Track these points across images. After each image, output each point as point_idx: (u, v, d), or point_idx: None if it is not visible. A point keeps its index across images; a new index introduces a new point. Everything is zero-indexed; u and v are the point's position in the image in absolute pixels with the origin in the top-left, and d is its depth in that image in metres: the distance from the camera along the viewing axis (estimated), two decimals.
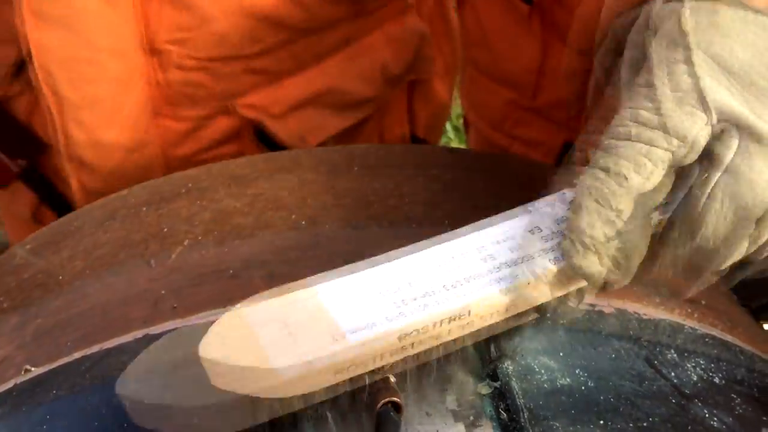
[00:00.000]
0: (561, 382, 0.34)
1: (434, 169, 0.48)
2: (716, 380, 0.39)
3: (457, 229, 0.33)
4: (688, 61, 0.30)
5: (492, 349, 0.35)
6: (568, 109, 1.16)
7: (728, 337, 0.45)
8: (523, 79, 1.18)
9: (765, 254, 0.32)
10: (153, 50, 0.57)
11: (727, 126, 0.29)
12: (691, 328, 0.42)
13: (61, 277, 0.45)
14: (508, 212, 0.34)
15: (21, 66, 0.60)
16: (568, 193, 0.33)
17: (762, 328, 0.52)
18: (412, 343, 0.29)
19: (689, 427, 0.34)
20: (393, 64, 0.66)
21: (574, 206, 0.30)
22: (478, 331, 0.31)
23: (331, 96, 0.63)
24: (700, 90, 0.29)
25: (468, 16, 1.25)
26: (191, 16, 0.56)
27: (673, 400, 0.36)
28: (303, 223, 0.44)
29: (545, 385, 0.34)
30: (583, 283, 0.31)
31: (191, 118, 0.61)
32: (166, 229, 0.45)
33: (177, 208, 0.46)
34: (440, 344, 0.30)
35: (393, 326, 0.28)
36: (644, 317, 0.41)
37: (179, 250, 0.43)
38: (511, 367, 0.34)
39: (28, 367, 0.39)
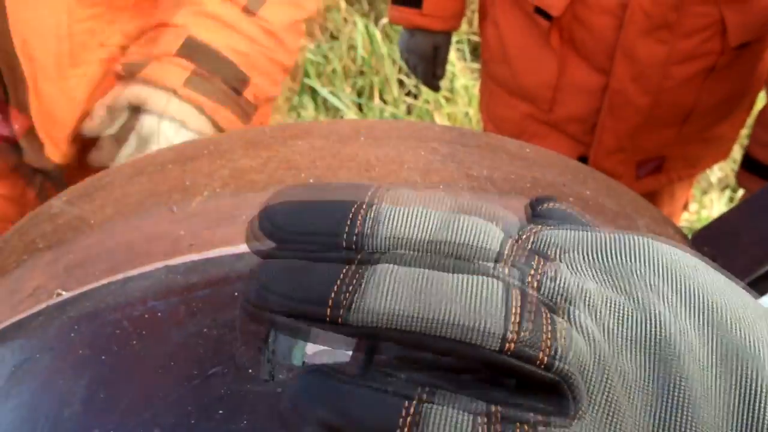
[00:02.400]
0: None
1: (434, 143, 0.53)
2: None
3: None
4: None
5: None
6: (582, 124, 1.20)
7: None
8: (540, 93, 1.23)
9: None
10: None
11: None
12: None
13: (92, 221, 0.50)
14: None
15: None
16: None
17: None
18: None
19: None
20: None
21: None
22: None
23: None
24: None
25: (490, 32, 1.30)
26: None
27: None
28: (310, 180, 0.48)
29: None
30: None
31: None
32: (188, 183, 0.50)
33: (199, 165, 0.51)
34: None
35: None
36: None
37: (199, 199, 0.48)
38: None
39: (59, 291, 0.44)
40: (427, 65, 1.45)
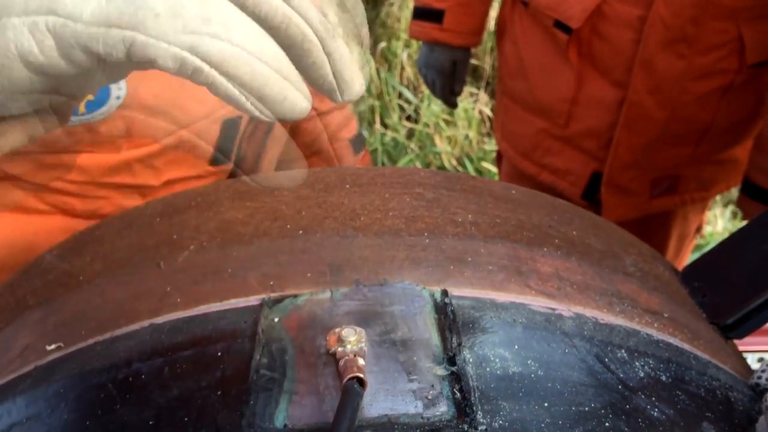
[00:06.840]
0: (512, 369, 0.38)
1: (419, 188, 0.53)
2: (663, 378, 0.42)
3: None
4: None
5: (453, 340, 0.39)
6: (597, 138, 1.20)
7: (686, 346, 0.48)
8: (557, 108, 1.23)
9: None
10: None
11: None
12: (647, 334, 0.46)
13: (81, 278, 0.50)
14: None
15: None
16: None
17: (728, 343, 0.55)
18: None
19: (629, 414, 0.38)
20: None
21: None
22: None
23: None
24: None
25: (507, 48, 1.31)
26: None
27: (617, 391, 0.39)
28: (300, 232, 0.49)
29: (497, 372, 0.38)
30: None
31: None
32: (175, 237, 0.50)
33: (186, 218, 0.52)
34: None
35: None
36: (601, 321, 0.45)
37: (186, 254, 0.48)
38: (468, 355, 0.39)
39: (47, 347, 0.44)
40: (446, 81, 1.45)
